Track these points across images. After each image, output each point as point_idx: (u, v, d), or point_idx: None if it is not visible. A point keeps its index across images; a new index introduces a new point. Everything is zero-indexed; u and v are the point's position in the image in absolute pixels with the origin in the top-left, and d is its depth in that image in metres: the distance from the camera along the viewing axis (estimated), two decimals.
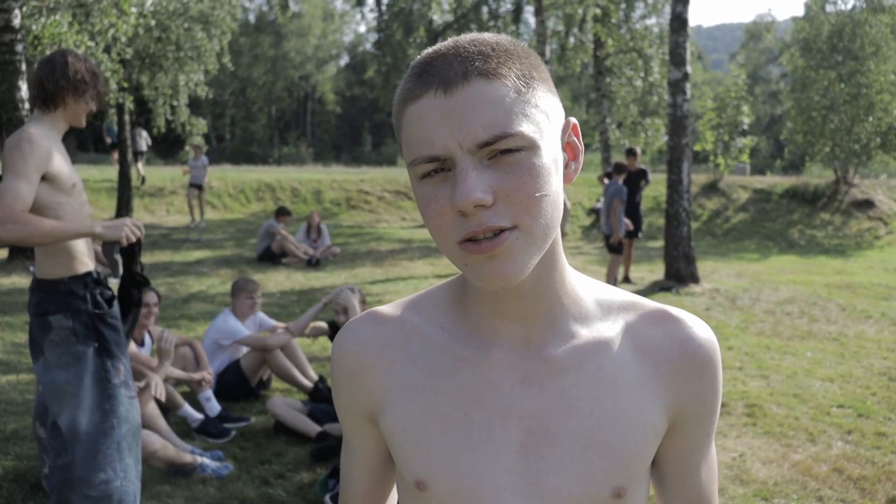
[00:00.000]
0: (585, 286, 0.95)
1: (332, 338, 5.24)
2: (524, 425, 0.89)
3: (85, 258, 3.02)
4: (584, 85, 47.46)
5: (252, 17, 49.91)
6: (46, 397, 2.98)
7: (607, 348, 0.91)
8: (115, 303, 3.10)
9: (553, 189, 0.82)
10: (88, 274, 3.01)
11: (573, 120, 0.88)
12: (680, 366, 0.91)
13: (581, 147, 0.89)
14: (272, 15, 48.77)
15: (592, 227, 18.29)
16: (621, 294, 0.97)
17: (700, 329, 0.93)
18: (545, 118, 0.83)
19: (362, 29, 56.61)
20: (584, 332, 0.91)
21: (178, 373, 4.85)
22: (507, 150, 0.80)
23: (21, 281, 9.74)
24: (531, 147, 0.81)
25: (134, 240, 2.98)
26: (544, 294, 0.90)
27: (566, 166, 0.88)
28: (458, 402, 0.91)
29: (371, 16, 46.75)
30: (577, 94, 51.80)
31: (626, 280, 10.41)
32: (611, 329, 0.92)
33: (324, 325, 5.23)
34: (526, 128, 0.80)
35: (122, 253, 3.06)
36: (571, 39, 21.47)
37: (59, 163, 2.90)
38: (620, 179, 9.64)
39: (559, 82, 42.18)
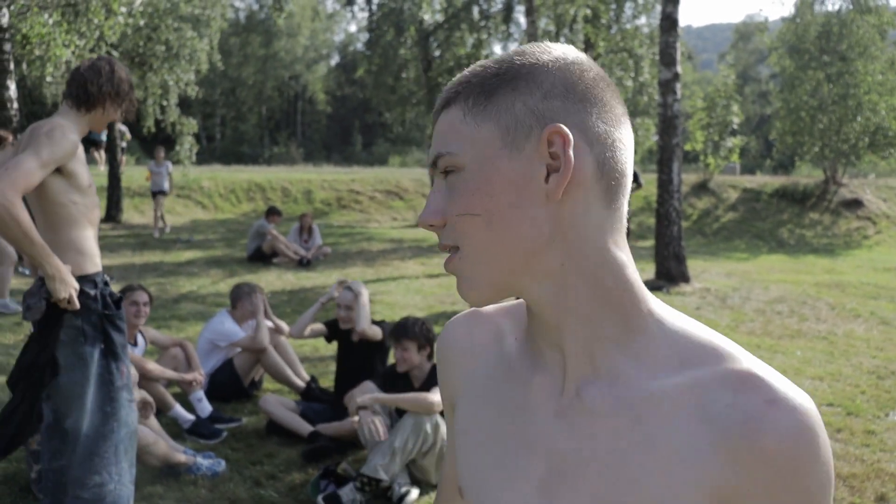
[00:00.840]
0: (663, 324, 0.80)
1: (329, 339, 5.23)
2: (548, 461, 0.83)
3: (95, 258, 3.01)
4: None
5: (242, 17, 49.80)
6: (54, 396, 2.95)
7: (658, 401, 0.76)
8: (122, 304, 3.09)
9: (490, 206, 0.78)
10: (98, 274, 3.00)
11: (552, 127, 0.77)
12: (743, 448, 0.71)
13: (564, 157, 0.77)
14: (262, 14, 48.67)
15: None
16: (711, 340, 0.79)
17: (786, 406, 0.72)
18: (493, 134, 0.79)
19: (353, 28, 56.59)
20: (634, 377, 0.78)
21: (169, 373, 4.84)
22: (448, 171, 0.81)
23: (12, 282, 9.68)
24: (460, 167, 0.80)
25: (63, 306, 2.85)
26: (576, 325, 0.80)
27: (547, 179, 0.78)
28: (501, 419, 0.88)
29: (361, 15, 46.62)
30: None
31: None
32: (672, 380, 0.77)
33: (321, 326, 5.21)
34: (455, 147, 0.80)
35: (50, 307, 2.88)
36: (562, 40, 21.49)
37: (80, 161, 2.92)
38: None
39: None
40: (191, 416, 4.83)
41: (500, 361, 0.90)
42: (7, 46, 10.72)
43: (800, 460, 0.71)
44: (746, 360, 0.76)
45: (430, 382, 4.13)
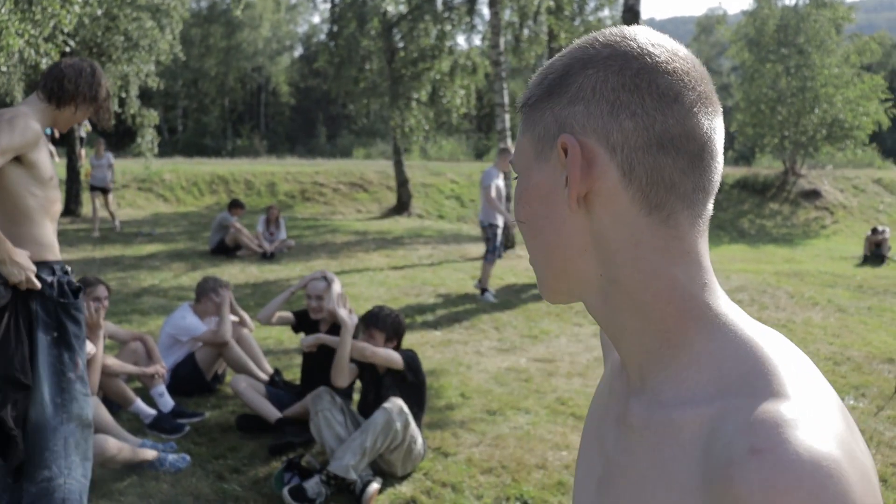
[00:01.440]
0: (712, 344, 0.72)
1: (296, 329, 5.18)
2: (604, 464, 0.81)
3: (54, 248, 2.98)
4: None
5: (204, 7, 49.17)
6: None
7: (679, 429, 0.70)
8: (81, 295, 3.04)
9: (530, 215, 0.79)
10: (57, 262, 2.97)
11: (561, 137, 0.74)
12: (719, 492, 0.61)
13: (570, 167, 0.73)
14: (224, 5, 48.10)
15: None
16: (759, 368, 0.68)
17: (772, 459, 0.59)
18: (530, 144, 0.79)
19: (316, 20, 56.13)
20: (669, 398, 0.72)
21: (129, 367, 4.77)
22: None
23: None
24: (517, 175, 0.82)
25: (24, 288, 2.83)
26: (625, 336, 0.77)
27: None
28: (595, 413, 0.88)
29: (324, 6, 46.28)
30: None
31: None
32: (701, 409, 0.69)
33: (290, 314, 5.17)
34: (514, 156, 0.81)
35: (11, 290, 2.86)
36: (526, 31, 21.53)
37: (42, 152, 2.87)
38: None
39: (514, 74, 42.33)
40: (152, 411, 4.77)
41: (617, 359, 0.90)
42: None
43: None
44: (781, 397, 0.65)
45: (393, 370, 4.14)
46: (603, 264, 0.76)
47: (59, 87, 2.96)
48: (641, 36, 0.75)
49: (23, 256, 2.80)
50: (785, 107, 20.68)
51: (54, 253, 2.97)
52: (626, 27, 0.77)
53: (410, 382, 4.16)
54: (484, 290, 8.87)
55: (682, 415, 0.69)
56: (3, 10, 11.83)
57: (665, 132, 0.72)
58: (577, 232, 0.76)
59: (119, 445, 3.98)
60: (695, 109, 0.73)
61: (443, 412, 5.09)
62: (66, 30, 13.97)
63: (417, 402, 4.22)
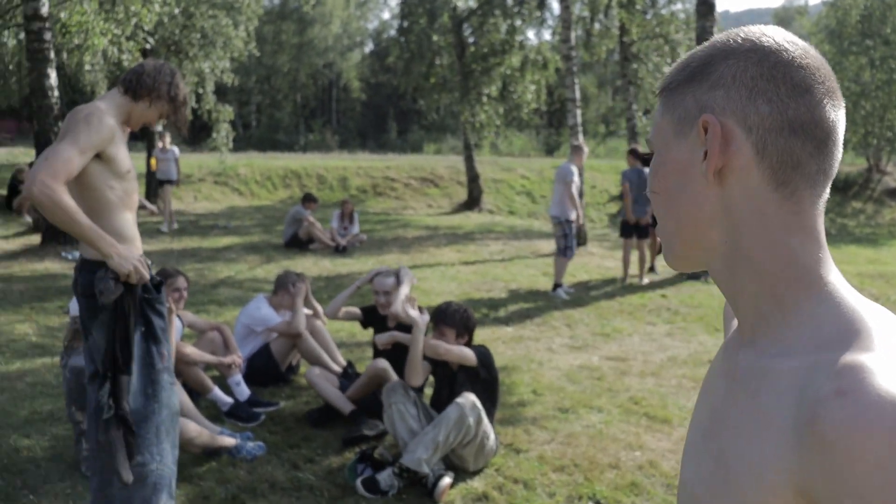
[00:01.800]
0: (819, 307, 0.80)
1: (364, 324, 5.22)
2: (710, 413, 0.90)
3: (136, 241, 3.04)
4: (610, 71, 47.14)
5: (276, 4, 50.00)
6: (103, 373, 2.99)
7: (776, 379, 0.78)
8: (163, 289, 3.11)
9: (666, 187, 0.89)
10: (138, 257, 3.00)
11: (703, 116, 0.83)
12: (807, 433, 0.69)
13: (710, 144, 0.83)
14: (296, 2, 48.82)
15: (618, 214, 18.18)
16: (857, 326, 0.76)
17: (854, 399, 0.67)
18: (670, 124, 0.89)
19: (386, 16, 56.51)
20: (770, 353, 0.81)
21: (207, 357, 4.88)
22: (652, 154, 0.93)
23: (54, 266, 9.85)
24: (654, 151, 0.92)
25: (134, 281, 2.88)
26: (741, 299, 0.86)
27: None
28: (707, 378, 0.96)
29: (394, 2, 46.52)
30: (603, 81, 51.42)
31: (651, 269, 10.29)
32: (797, 361, 0.76)
33: (356, 310, 5.22)
34: (652, 134, 0.92)
35: (124, 287, 2.91)
36: (597, 25, 21.28)
37: (119, 146, 2.93)
38: (637, 164, 9.59)
39: (585, 69, 41.89)
40: (229, 400, 4.87)
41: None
42: (47, 35, 10.85)
43: (854, 456, 0.65)
44: (869, 350, 0.72)
45: (466, 367, 4.13)
46: (729, 233, 0.85)
47: (137, 79, 3.02)
48: (778, 34, 0.84)
49: (127, 249, 2.88)
50: (869, 101, 19.97)
51: (136, 247, 3.04)
52: (764, 26, 0.86)
53: (483, 379, 4.15)
54: (557, 286, 8.81)
55: (781, 365, 0.78)
56: (89, 12, 12.23)
57: (796, 118, 0.81)
58: (708, 203, 0.85)
59: (198, 429, 4.08)
60: (823, 101, 0.81)
61: (514, 408, 5.07)
62: (146, 28, 14.39)
63: (490, 399, 4.21)
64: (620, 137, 38.79)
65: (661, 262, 10.78)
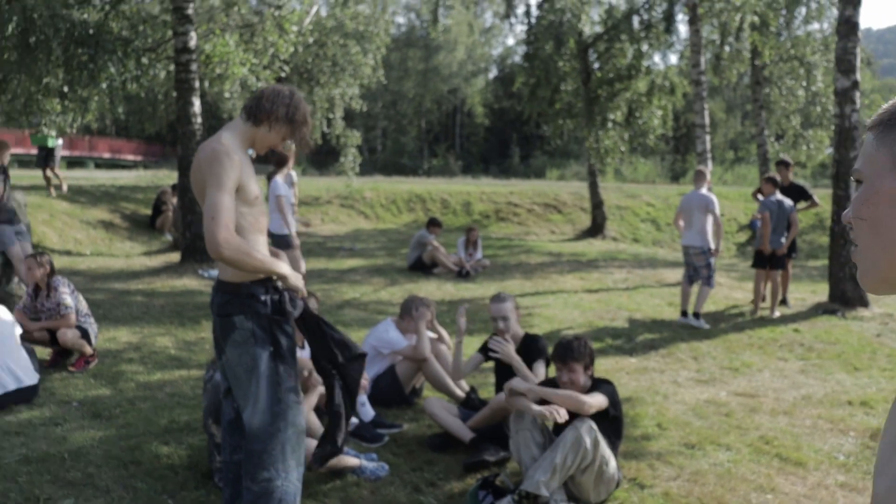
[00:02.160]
0: None
1: (487, 358, 5.24)
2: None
3: None
4: (739, 95, 45.76)
5: (403, 31, 51.26)
6: (234, 392, 3.15)
7: None
8: (289, 309, 3.22)
9: (875, 215, 0.98)
10: (269, 279, 3.16)
11: None
12: None
13: None
14: (422, 29, 49.90)
15: (748, 243, 17.55)
16: None
17: None
18: (886, 158, 0.98)
19: (511, 42, 56.89)
20: None
21: None
22: (858, 182, 1.04)
23: (192, 283, 10.37)
24: (861, 180, 1.01)
25: (302, 296, 3.22)
26: None
27: None
28: None
29: (520, 28, 46.85)
30: (731, 105, 49.99)
31: (783, 302, 9.82)
32: None
33: (477, 356, 5.22)
34: (861, 164, 1.02)
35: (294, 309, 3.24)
36: (727, 48, 20.74)
37: (247, 174, 3.07)
38: (775, 193, 9.21)
39: (713, 93, 40.77)
40: (354, 420, 4.97)
41: None
42: (193, 66, 11.52)
43: None
44: None
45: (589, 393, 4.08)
46: None
47: (256, 105, 3.14)
48: None
49: (290, 268, 3.15)
50: None
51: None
52: None
53: (612, 417, 4.08)
54: (697, 315, 8.58)
55: None
56: (230, 44, 12.91)
57: None
58: None
59: None
60: None
61: (638, 442, 4.96)
62: (282, 57, 15.05)
63: (615, 433, 4.14)
64: (750, 164, 37.52)
65: (793, 295, 10.32)
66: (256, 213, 3.12)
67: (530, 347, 5.00)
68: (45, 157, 14.86)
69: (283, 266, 3.11)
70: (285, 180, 8.59)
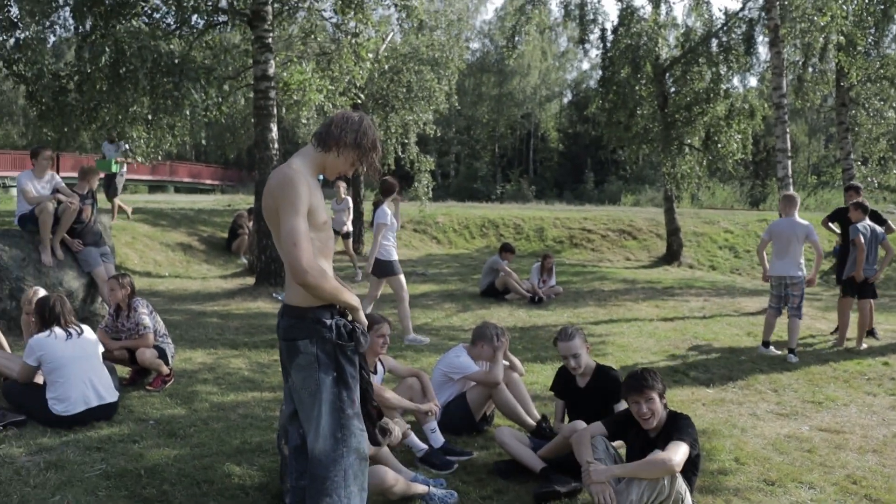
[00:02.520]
0: None
1: (563, 396, 5.20)
2: None
3: None
4: (822, 118, 44.49)
5: (474, 58, 51.54)
6: (300, 415, 3.16)
7: None
8: (356, 335, 3.23)
9: None
10: (334, 305, 3.17)
11: None
12: None
13: None
14: (496, 55, 50.12)
15: (832, 272, 16.94)
16: None
17: None
18: None
19: (585, 66, 56.61)
20: None
21: (405, 403, 5.00)
22: None
23: (265, 306, 10.54)
24: None
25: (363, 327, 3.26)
26: None
27: None
28: None
29: (594, 52, 46.68)
30: (814, 128, 48.67)
31: (871, 334, 9.38)
32: None
33: (559, 403, 5.21)
34: None
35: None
36: (810, 70, 20.19)
37: (317, 199, 3.10)
38: (864, 219, 8.86)
39: (794, 115, 39.73)
40: (424, 446, 4.94)
41: None
42: (272, 93, 11.80)
43: None
44: None
45: (667, 433, 3.94)
46: None
47: (326, 131, 3.18)
48: None
49: (357, 300, 3.22)
50: None
51: None
52: None
53: (692, 455, 3.94)
54: (792, 351, 8.24)
55: None
56: (308, 71, 13.19)
57: None
58: None
59: (395, 477, 4.16)
60: None
61: (715, 476, 4.79)
62: (358, 84, 15.29)
63: (692, 468, 4.00)
64: (835, 189, 36.36)
65: (882, 327, 9.89)
66: (325, 237, 3.16)
67: (607, 386, 4.91)
68: (106, 184, 14.73)
69: (353, 297, 3.15)
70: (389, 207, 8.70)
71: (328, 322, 3.12)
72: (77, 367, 5.32)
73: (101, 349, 5.69)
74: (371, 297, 8.91)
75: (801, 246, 8.28)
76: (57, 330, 5.38)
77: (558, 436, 4.70)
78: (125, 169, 15.13)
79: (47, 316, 5.43)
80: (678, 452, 3.76)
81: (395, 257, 8.73)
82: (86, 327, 5.61)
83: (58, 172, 8.90)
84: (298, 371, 3.11)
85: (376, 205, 8.85)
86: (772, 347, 8.40)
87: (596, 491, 3.77)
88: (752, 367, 7.82)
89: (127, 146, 13.68)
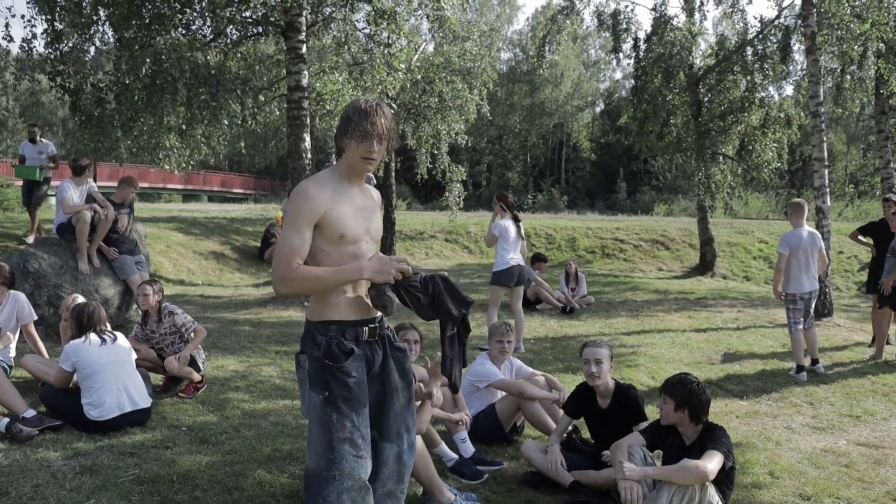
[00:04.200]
0: None
1: (576, 416, 5.11)
2: None
3: (339, 308, 3.05)
4: (861, 126, 43.86)
5: (506, 68, 51.61)
6: None
7: None
8: (357, 361, 3.04)
9: None
10: (337, 323, 3.04)
11: None
12: None
13: None
14: (527, 65, 50.13)
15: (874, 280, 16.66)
16: None
17: None
18: None
19: (618, 76, 56.42)
20: None
21: (437, 412, 5.00)
22: None
23: (297, 314, 10.60)
24: None
25: (401, 277, 3.00)
26: None
27: None
28: None
29: (626, 62, 46.78)
30: (852, 137, 48.02)
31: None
32: None
33: (566, 419, 5.09)
34: None
35: (397, 289, 3.06)
36: (848, 77, 19.93)
37: (336, 211, 2.99)
38: None
39: (831, 124, 39.17)
40: (454, 455, 4.94)
41: None
42: (305, 103, 11.90)
43: None
44: None
45: (700, 445, 3.90)
46: None
47: (337, 126, 3.07)
48: None
49: (372, 260, 3.00)
50: None
51: (338, 311, 3.05)
52: None
53: (727, 468, 3.89)
54: (816, 362, 8.10)
55: None
56: (340, 81, 13.29)
57: None
58: None
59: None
60: None
61: (749, 490, 4.72)
62: (390, 94, 15.37)
63: (728, 482, 3.95)
64: (874, 199, 35.81)
65: None
66: (342, 252, 3.02)
67: (628, 406, 4.80)
68: (27, 193, 12.49)
69: (352, 270, 2.96)
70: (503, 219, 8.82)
71: (319, 339, 3.01)
72: (111, 372, 5.39)
73: (134, 356, 5.76)
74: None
75: (822, 255, 8.13)
76: (92, 336, 5.47)
77: (604, 470, 4.56)
78: (51, 175, 12.57)
79: (84, 322, 5.52)
80: (712, 461, 3.73)
81: (502, 268, 8.77)
82: (119, 334, 5.69)
83: (95, 181, 9.02)
84: (299, 384, 3.07)
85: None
86: (819, 365, 8.14)
87: (625, 486, 3.74)
88: (786, 379, 7.70)
89: (53, 149, 12.31)
